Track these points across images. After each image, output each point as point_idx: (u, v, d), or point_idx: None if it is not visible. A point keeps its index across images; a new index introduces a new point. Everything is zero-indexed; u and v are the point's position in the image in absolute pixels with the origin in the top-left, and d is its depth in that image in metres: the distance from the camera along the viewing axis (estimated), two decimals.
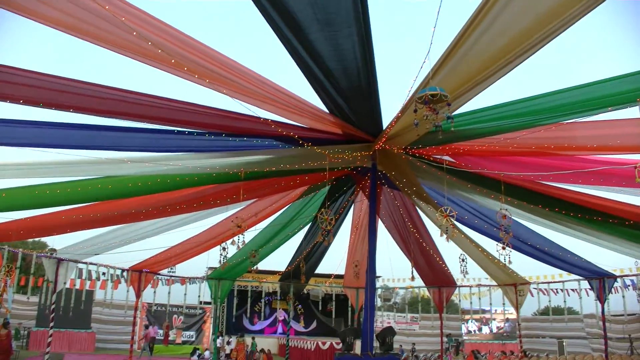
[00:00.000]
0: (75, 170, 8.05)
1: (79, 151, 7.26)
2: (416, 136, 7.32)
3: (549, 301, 15.03)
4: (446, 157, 8.74)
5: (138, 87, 6.01)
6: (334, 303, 18.00)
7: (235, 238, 9.15)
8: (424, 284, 15.98)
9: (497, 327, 33.14)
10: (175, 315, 30.09)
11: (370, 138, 8.16)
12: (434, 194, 10.24)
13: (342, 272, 16.73)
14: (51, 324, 13.34)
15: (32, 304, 26.54)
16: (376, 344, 8.89)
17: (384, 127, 7.69)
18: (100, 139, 7.05)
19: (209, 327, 30.64)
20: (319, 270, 16.12)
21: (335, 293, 18.26)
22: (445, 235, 8.30)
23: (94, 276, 14.84)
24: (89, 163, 7.78)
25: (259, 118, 6.62)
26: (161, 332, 29.38)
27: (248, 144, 7.58)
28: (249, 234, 12.21)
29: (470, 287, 15.82)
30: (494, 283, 15.26)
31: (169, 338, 29.30)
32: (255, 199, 10.74)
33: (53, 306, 13.40)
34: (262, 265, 22.03)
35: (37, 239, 31.96)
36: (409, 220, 11.89)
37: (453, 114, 5.30)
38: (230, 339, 26.76)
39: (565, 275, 14.31)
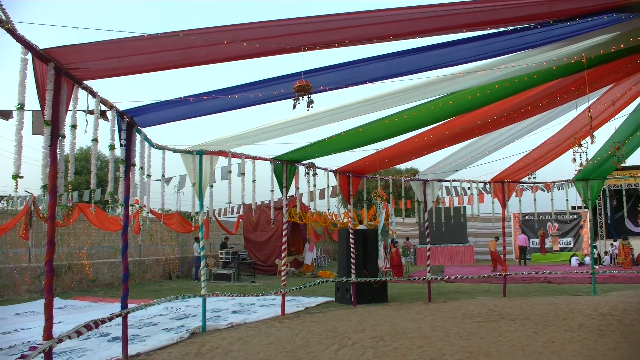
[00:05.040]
0: (414, 95, 8.41)
1: (412, 76, 7.54)
2: None
3: None
4: None
5: None
6: None
7: (595, 133, 8.40)
8: None
9: None
10: (549, 223, 29.51)
11: None
12: None
13: None
14: (427, 240, 14.57)
15: (410, 224, 29.38)
16: None
17: None
18: (428, 60, 7.20)
19: (587, 232, 29.21)
20: None
21: None
22: None
23: (459, 192, 15.56)
24: (424, 85, 8.06)
25: None
26: (536, 240, 29.23)
27: (583, 25, 6.73)
28: (609, 125, 11.08)
29: None
30: None
31: (546, 246, 28.97)
32: (609, 86, 9.63)
33: (426, 223, 14.58)
34: (634, 160, 19.81)
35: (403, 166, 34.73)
36: None
37: None
38: (614, 242, 25.12)
39: None
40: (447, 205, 17.34)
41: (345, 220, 14.46)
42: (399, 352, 7.55)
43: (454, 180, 15.03)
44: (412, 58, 7.19)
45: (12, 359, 4.50)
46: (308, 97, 5.89)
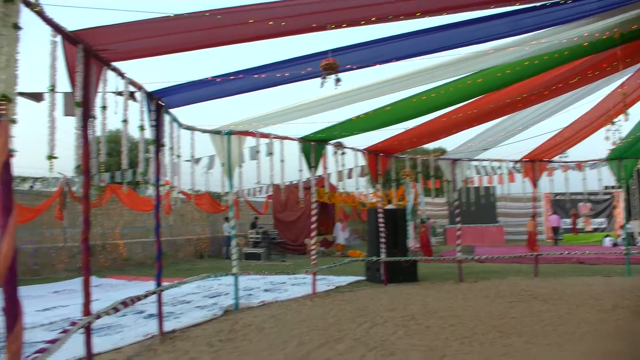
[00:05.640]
0: (443, 73, 8.30)
1: (440, 54, 7.45)
2: None
3: None
4: None
5: None
6: None
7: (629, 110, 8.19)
8: None
9: None
10: (581, 203, 29.02)
11: None
12: None
13: None
14: (457, 220, 14.48)
15: (439, 204, 29.26)
16: None
17: None
18: (457, 37, 7.10)
19: (620, 213, 28.64)
20: None
21: None
22: None
23: (488, 172, 15.40)
24: (452, 63, 7.95)
25: None
26: (568, 221, 28.80)
27: None
28: None
29: None
30: None
31: (577, 227, 28.51)
32: None
33: (456, 203, 14.50)
34: None
35: (431, 145, 34.40)
36: None
37: None
38: None
39: None
40: (476, 184, 17.21)
41: (374, 200, 14.45)
42: (430, 330, 7.57)
43: (483, 160, 14.87)
44: (440, 35, 7.09)
45: (53, 334, 4.64)
46: (335, 76, 5.88)
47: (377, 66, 7.51)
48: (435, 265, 17.17)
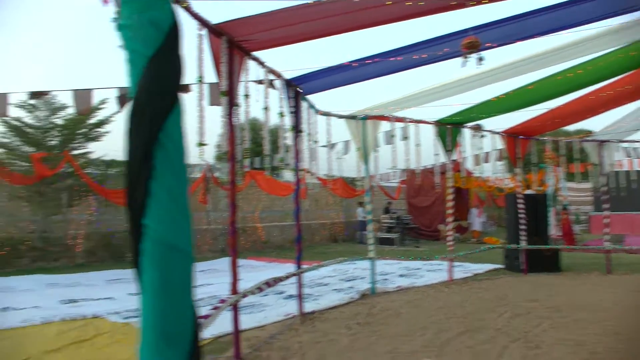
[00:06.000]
0: (590, 47, 7.71)
1: (587, 26, 6.92)
2: None
3: None
4: None
5: None
6: None
7: None
8: None
9: None
10: None
11: None
12: None
13: None
14: (604, 207, 13.46)
15: (583, 189, 27.38)
16: None
17: None
18: (606, 6, 6.52)
19: None
20: None
21: None
22: None
23: None
24: (601, 36, 7.34)
25: None
26: None
27: None
28: None
29: None
30: None
31: None
32: None
33: (604, 189, 13.49)
34: None
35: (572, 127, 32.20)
36: None
37: None
38: None
39: None
40: (626, 168, 15.91)
41: (512, 185, 13.85)
42: (578, 324, 7.09)
43: (635, 141, 13.69)
44: (586, 6, 6.57)
45: (203, 311, 4.95)
46: (477, 54, 5.66)
47: (519, 43, 7.14)
48: (578, 254, 16.13)
